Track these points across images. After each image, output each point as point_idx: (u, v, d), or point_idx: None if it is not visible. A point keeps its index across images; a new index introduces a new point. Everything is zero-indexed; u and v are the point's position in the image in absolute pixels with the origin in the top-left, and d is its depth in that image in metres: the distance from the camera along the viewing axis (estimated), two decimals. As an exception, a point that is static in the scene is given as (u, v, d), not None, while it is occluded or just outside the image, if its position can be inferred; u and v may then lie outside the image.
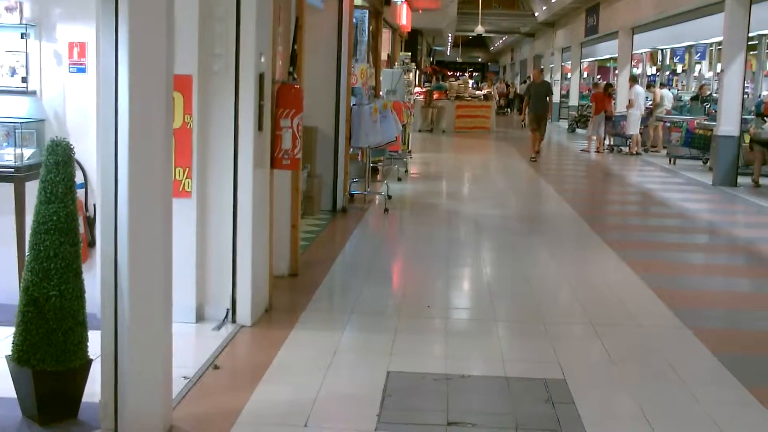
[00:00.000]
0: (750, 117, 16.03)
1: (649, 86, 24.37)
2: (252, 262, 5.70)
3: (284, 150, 6.01)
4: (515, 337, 6.04)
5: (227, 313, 5.71)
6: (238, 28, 5.52)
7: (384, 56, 19.58)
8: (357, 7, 13.53)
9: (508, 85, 45.56)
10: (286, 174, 6.77)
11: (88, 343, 4.10)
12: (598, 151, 21.25)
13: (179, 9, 4.39)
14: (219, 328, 5.60)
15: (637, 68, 32.31)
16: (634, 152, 20.60)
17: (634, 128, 20.57)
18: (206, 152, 5.60)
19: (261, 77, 5.64)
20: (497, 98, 32.55)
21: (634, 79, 21.87)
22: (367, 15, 15.25)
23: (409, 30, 27.20)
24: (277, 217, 6.43)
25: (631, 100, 20.38)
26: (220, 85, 5.56)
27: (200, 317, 5.70)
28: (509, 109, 37.39)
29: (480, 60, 76.04)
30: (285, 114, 6.03)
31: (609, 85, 23.18)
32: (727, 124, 14.91)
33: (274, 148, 6.02)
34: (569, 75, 35.19)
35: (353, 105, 11.24)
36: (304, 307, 6.28)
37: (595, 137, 21.35)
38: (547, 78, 38.03)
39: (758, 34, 19.76)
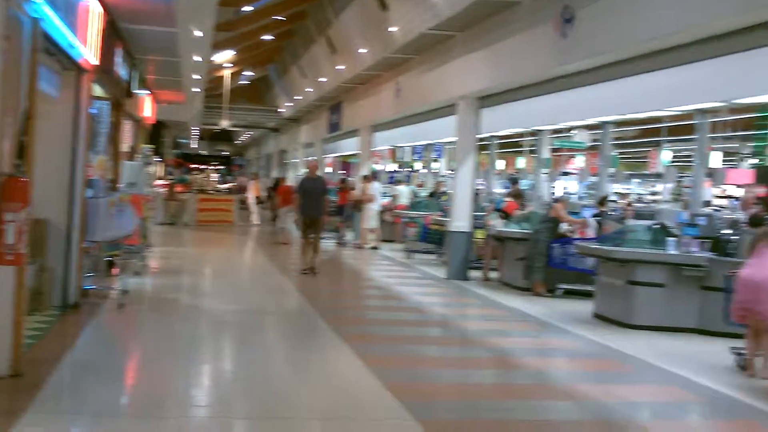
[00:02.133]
0: (482, 214, 17.09)
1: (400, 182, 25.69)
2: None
3: (7, 245, 5.78)
4: (247, 432, 6.04)
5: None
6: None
7: (125, 148, 19.24)
8: (96, 97, 13.28)
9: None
10: (11, 269, 6.48)
11: None
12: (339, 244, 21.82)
13: None
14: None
15: (379, 164, 33.74)
16: (364, 246, 21.34)
17: (368, 222, 21.36)
18: None
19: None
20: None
21: (372, 176, 22.82)
22: (107, 106, 15.00)
23: (153, 122, 26.94)
24: (-3, 314, 6.12)
25: (369, 195, 21.17)
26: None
27: None
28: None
29: (226, 153, 76.36)
30: (10, 208, 5.81)
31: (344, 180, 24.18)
32: (459, 220, 15.80)
33: (-4, 243, 5.79)
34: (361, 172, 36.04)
35: (89, 197, 10.95)
36: (25, 409, 5.95)
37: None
38: (290, 173, 38.76)
39: (490, 135, 21.35)
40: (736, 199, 19.69)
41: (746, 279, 8.48)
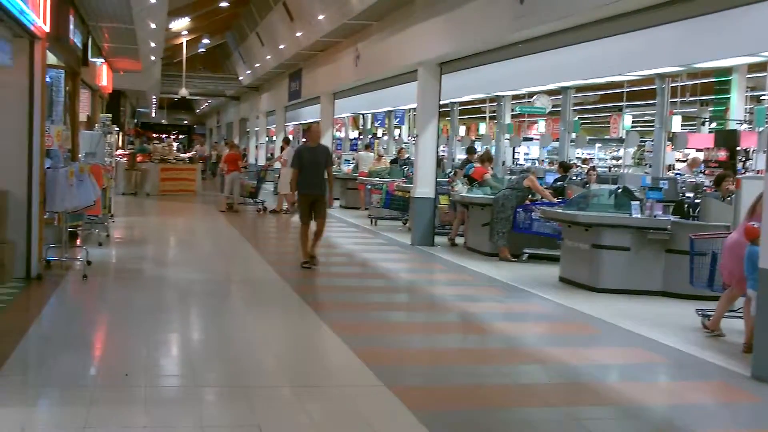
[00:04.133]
0: (444, 180, 17.09)
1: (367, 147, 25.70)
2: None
3: (-34, 216, 5.65)
4: (216, 402, 5.98)
5: None
6: None
7: (83, 117, 18.96)
8: (51, 66, 13.04)
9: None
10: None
11: None
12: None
13: None
14: None
15: (341, 131, 33.64)
16: (280, 210, 21.58)
17: (283, 188, 21.33)
18: None
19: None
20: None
21: (287, 141, 22.85)
22: (63, 75, 14.76)
23: (111, 91, 26.58)
24: (-42, 287, 6.00)
25: (284, 161, 21.23)
26: None
27: None
28: (212, 173, 37.06)
29: (186, 122, 75.67)
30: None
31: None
32: (423, 186, 15.77)
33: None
34: (275, 137, 35.84)
35: (47, 168, 10.77)
36: (-11, 382, 5.87)
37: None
38: (250, 142, 38.38)
39: (450, 102, 21.33)
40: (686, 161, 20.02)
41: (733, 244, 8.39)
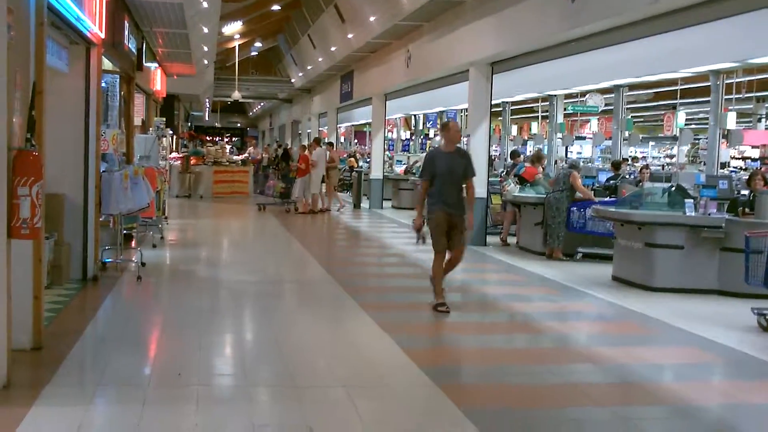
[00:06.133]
0: (496, 179, 17.02)
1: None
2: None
3: (22, 219, 5.77)
4: (267, 402, 6.04)
5: (-41, 393, 5.35)
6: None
7: (138, 121, 19.24)
8: (107, 71, 13.27)
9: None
10: (28, 243, 6.49)
11: None
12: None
13: None
14: (-50, 409, 5.19)
15: (392, 132, 33.69)
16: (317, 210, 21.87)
17: (314, 187, 21.77)
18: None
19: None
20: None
21: (317, 141, 22.90)
22: (118, 80, 14.99)
23: (165, 95, 26.94)
24: (16, 288, 6.12)
25: (312, 161, 21.43)
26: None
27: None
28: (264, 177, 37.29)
29: (239, 125, 76.32)
30: (22, 182, 5.80)
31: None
32: (477, 186, 15.70)
33: (12, 217, 5.76)
34: (327, 139, 35.98)
35: (103, 171, 10.96)
36: (47, 381, 5.98)
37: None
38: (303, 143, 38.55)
39: (502, 101, 21.25)
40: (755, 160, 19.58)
41: None
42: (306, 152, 22.12)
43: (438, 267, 9.47)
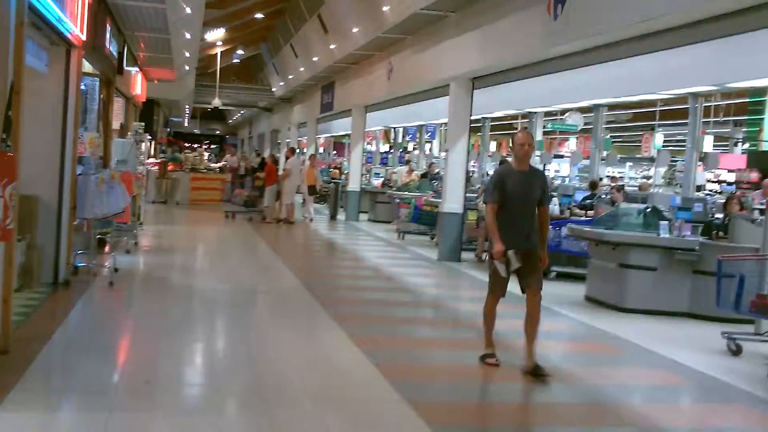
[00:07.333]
0: (473, 195, 17.03)
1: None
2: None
3: (-6, 221, 5.72)
4: (237, 413, 6.00)
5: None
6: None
7: (117, 125, 19.12)
8: (86, 74, 13.18)
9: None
10: (-1, 245, 6.43)
11: None
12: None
13: None
14: None
15: (371, 145, 33.70)
16: (291, 220, 21.75)
17: (288, 197, 21.75)
18: None
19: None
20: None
21: (292, 151, 22.92)
22: (97, 83, 14.91)
23: (144, 100, 26.82)
24: (-15, 291, 6.06)
25: (285, 170, 21.57)
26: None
27: None
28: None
29: (219, 132, 76.16)
30: (-4, 183, 5.75)
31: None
32: (452, 202, 15.75)
33: (-17, 219, 5.71)
34: (305, 150, 35.98)
35: (79, 174, 10.88)
36: (12, 387, 5.90)
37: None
38: (281, 153, 38.34)
39: (482, 117, 21.30)
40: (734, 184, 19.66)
41: None
42: (271, 162, 22.62)
43: (490, 307, 7.99)
